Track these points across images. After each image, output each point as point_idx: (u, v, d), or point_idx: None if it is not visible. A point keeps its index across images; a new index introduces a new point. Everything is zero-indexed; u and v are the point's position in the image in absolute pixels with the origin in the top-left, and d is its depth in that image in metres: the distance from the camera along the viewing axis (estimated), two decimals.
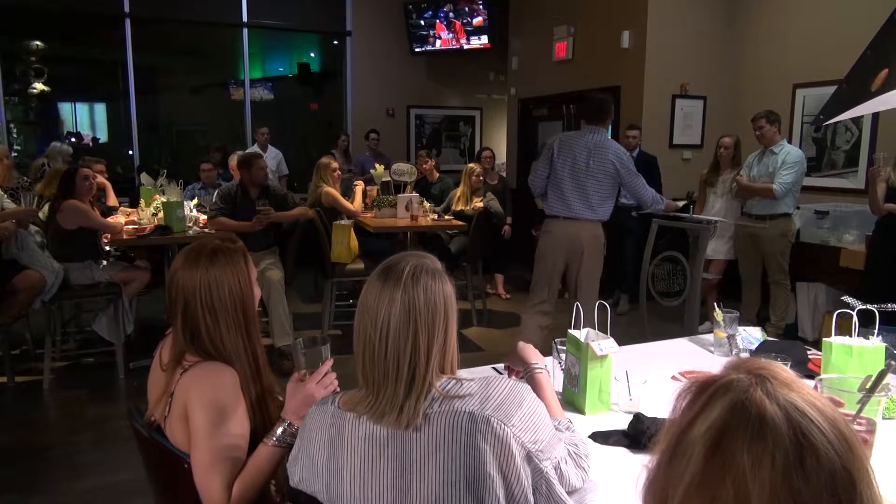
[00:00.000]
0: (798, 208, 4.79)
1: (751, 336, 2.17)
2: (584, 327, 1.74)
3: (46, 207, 4.23)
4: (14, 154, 7.34)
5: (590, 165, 3.74)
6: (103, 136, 8.61)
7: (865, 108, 2.07)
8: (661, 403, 1.61)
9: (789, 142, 5.02)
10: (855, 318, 1.75)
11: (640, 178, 3.81)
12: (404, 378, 1.11)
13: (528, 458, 1.09)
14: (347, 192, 5.44)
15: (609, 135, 3.90)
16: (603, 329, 1.76)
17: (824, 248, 4.69)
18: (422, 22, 8.05)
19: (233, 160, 5.51)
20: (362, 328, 1.15)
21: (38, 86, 7.62)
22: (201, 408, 1.38)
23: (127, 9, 7.21)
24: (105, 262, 4.25)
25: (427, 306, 1.12)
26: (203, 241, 1.50)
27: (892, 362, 1.46)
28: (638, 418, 1.52)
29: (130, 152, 7.54)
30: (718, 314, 2.13)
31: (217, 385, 1.40)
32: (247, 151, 5.58)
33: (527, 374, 1.56)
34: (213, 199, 4.64)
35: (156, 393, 1.50)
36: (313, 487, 1.19)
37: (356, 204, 5.22)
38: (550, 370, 1.79)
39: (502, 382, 1.15)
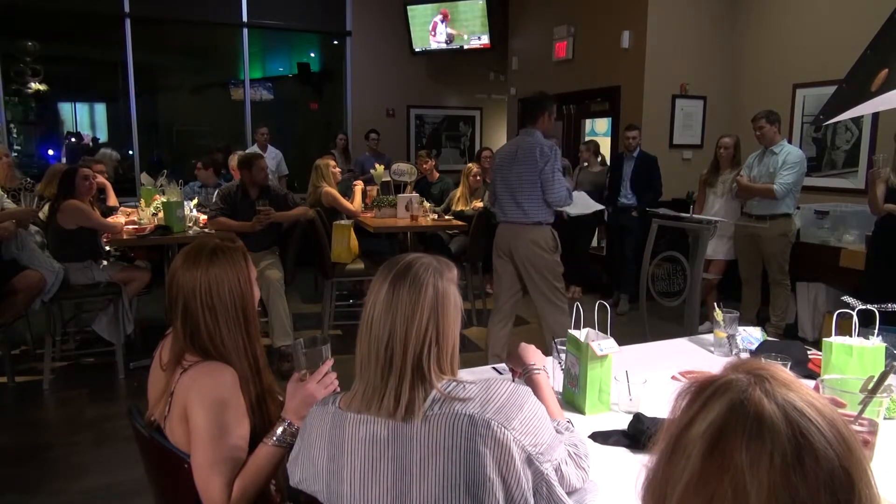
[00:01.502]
0: (798, 208, 4.79)
1: (751, 336, 2.16)
2: (583, 327, 1.74)
3: (46, 207, 4.23)
4: (14, 154, 7.35)
5: (513, 168, 3.70)
6: (103, 136, 8.61)
7: (865, 108, 2.06)
8: (661, 403, 1.61)
9: (789, 142, 5.02)
10: (855, 318, 1.75)
11: (557, 174, 3.63)
12: (381, 362, 1.12)
13: (529, 461, 1.09)
14: (347, 192, 5.44)
15: (541, 134, 3.75)
16: (603, 329, 1.76)
17: (824, 248, 4.69)
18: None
19: (233, 160, 5.51)
20: (361, 317, 1.18)
21: (35, 85, 7.63)
22: (201, 408, 1.37)
23: (127, 9, 7.21)
24: (105, 262, 4.25)
25: (410, 295, 1.13)
26: (203, 241, 1.50)
27: (894, 363, 1.46)
28: (638, 418, 1.52)
29: (130, 152, 7.54)
30: (718, 314, 2.13)
31: (217, 385, 1.40)
32: (247, 151, 5.58)
33: (525, 376, 1.56)
34: (213, 199, 4.64)
35: (156, 393, 1.50)
36: (313, 488, 1.19)
37: (356, 204, 5.22)
38: (550, 370, 1.79)
39: (503, 385, 1.15)
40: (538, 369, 1.55)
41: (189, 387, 1.39)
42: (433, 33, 8.02)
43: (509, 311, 3.93)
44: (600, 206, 5.56)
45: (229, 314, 1.44)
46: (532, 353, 1.61)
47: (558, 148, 3.76)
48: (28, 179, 4.84)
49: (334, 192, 5.04)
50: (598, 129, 7.79)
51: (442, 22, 7.95)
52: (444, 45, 8.05)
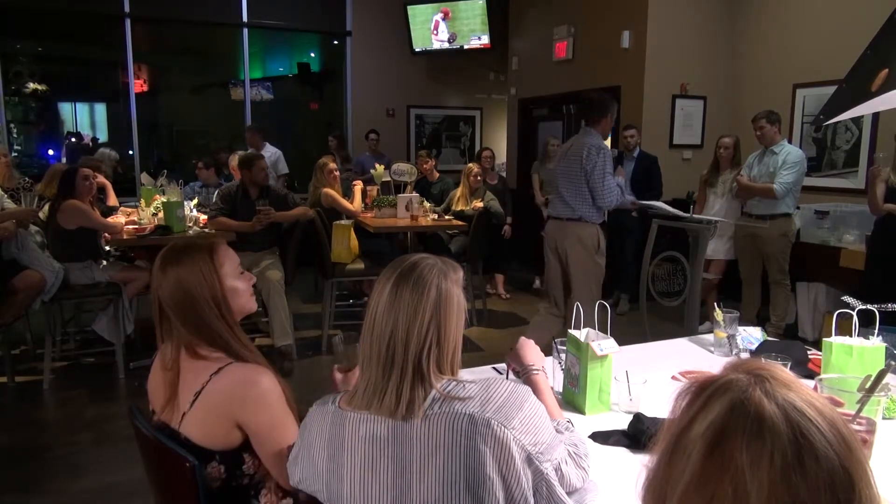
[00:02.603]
0: (798, 208, 4.79)
1: (751, 336, 2.16)
2: (584, 327, 1.74)
3: (46, 207, 4.23)
4: (14, 154, 7.35)
5: (561, 164, 3.83)
6: (103, 136, 8.61)
7: (865, 108, 2.06)
8: (661, 403, 1.61)
9: (789, 142, 5.02)
10: (855, 318, 1.75)
11: (607, 178, 3.68)
12: (383, 360, 1.13)
13: (529, 460, 1.09)
14: (347, 193, 5.44)
15: (600, 135, 3.80)
16: (603, 329, 1.76)
17: (824, 248, 4.69)
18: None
19: (233, 160, 5.51)
20: (365, 316, 1.19)
21: (32, 85, 7.63)
22: (263, 410, 1.43)
23: (127, 9, 7.21)
24: (105, 262, 4.25)
25: (413, 295, 1.13)
26: (174, 243, 1.58)
27: (892, 362, 1.46)
28: (638, 418, 1.52)
29: (130, 152, 7.54)
30: (718, 314, 2.13)
31: (269, 387, 1.45)
32: (248, 152, 5.58)
33: (524, 376, 1.55)
34: (214, 199, 4.64)
35: (161, 392, 1.51)
36: (313, 487, 1.19)
37: (355, 204, 5.21)
38: (550, 370, 1.79)
39: (503, 385, 1.15)
40: (536, 370, 1.55)
41: (237, 394, 1.43)
42: (435, 32, 8.02)
43: (560, 306, 3.98)
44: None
45: (211, 310, 1.49)
46: (530, 352, 1.60)
47: (608, 150, 3.78)
48: (27, 179, 4.84)
49: (333, 192, 5.03)
50: None
51: (443, 20, 7.94)
52: (446, 45, 8.04)
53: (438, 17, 7.96)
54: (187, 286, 1.47)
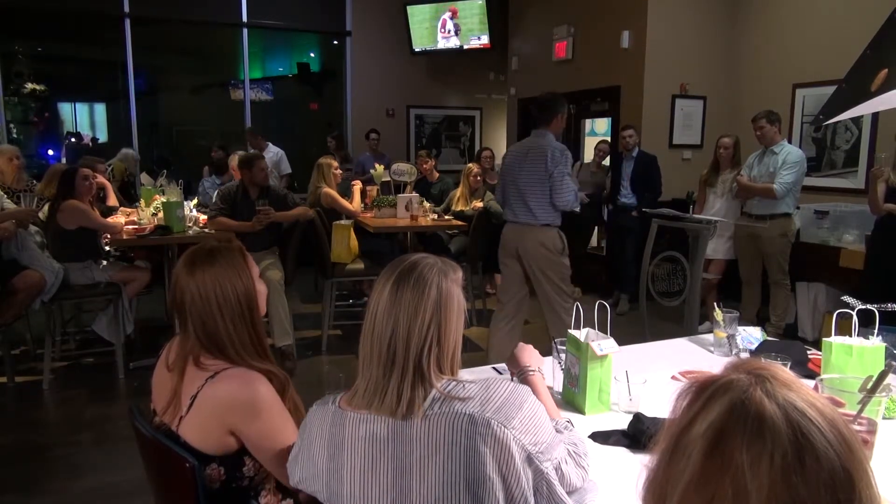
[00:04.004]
0: (798, 208, 4.79)
1: (751, 336, 2.16)
2: (583, 327, 1.74)
3: (46, 207, 4.23)
4: None
5: (524, 168, 3.70)
6: (103, 136, 8.61)
7: (865, 108, 2.06)
8: (661, 403, 1.61)
9: (789, 142, 5.02)
10: (855, 318, 1.75)
11: (566, 178, 3.64)
12: (384, 359, 1.13)
13: (529, 460, 1.09)
14: (345, 193, 5.44)
15: (553, 135, 3.74)
16: (603, 329, 1.76)
17: (824, 248, 4.69)
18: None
19: (233, 160, 5.51)
20: (365, 315, 1.18)
21: (30, 85, 7.63)
22: (256, 419, 1.41)
23: (127, 9, 7.21)
24: (105, 262, 4.25)
25: (413, 294, 1.13)
26: (201, 245, 1.53)
27: (893, 362, 1.46)
28: (638, 418, 1.52)
29: None
30: (718, 314, 2.13)
31: (255, 392, 1.43)
32: (249, 152, 5.58)
33: (519, 377, 1.56)
34: (213, 199, 4.64)
35: (163, 392, 1.51)
36: (313, 487, 1.19)
37: (355, 204, 5.21)
38: (550, 370, 1.79)
39: (503, 384, 1.15)
40: (532, 370, 1.55)
41: (228, 401, 1.41)
42: (443, 31, 8.00)
43: (513, 310, 3.91)
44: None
45: (235, 312, 1.47)
46: (528, 355, 1.61)
47: (569, 152, 3.75)
48: (34, 182, 4.84)
49: (333, 192, 5.03)
50: (598, 129, 7.79)
51: (451, 19, 7.93)
52: (454, 45, 8.01)
53: (447, 16, 7.93)
54: (222, 286, 1.45)
